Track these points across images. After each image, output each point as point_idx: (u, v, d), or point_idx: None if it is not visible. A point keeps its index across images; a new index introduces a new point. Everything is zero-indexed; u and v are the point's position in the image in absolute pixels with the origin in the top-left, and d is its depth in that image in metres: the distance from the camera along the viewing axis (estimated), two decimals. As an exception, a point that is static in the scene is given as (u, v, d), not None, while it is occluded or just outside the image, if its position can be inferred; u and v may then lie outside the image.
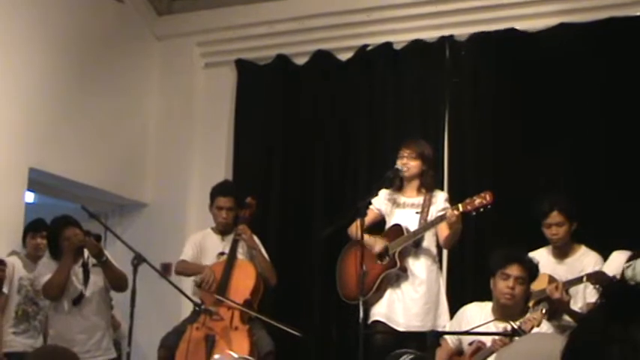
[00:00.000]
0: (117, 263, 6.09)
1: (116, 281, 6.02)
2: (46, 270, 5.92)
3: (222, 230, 6.37)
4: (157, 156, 8.08)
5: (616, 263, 5.23)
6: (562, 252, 5.66)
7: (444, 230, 5.60)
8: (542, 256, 5.57)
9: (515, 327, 4.49)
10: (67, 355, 2.96)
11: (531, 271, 5.05)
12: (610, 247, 5.48)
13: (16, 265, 6.23)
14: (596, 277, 5.23)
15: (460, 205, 5.38)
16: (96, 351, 5.98)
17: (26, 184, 6.62)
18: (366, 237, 5.54)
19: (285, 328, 5.70)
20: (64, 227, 5.94)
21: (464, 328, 5.04)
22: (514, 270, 4.96)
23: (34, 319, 6.23)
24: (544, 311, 4.69)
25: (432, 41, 7.24)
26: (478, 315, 5.07)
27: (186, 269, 6.27)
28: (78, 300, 5.90)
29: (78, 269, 5.96)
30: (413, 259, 5.68)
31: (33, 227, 6.43)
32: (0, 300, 6.08)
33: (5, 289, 6.11)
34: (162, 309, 7.04)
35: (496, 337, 4.70)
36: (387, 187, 5.88)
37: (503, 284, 4.96)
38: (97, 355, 6.00)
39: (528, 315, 4.74)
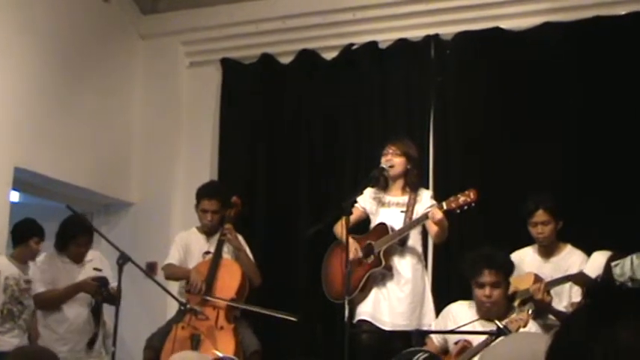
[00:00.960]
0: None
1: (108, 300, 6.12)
2: (44, 270, 5.99)
3: (207, 231, 6.35)
4: (143, 155, 8.06)
5: (596, 264, 5.21)
6: (548, 251, 5.67)
7: (432, 226, 5.57)
8: (528, 255, 5.60)
9: (501, 326, 4.49)
10: (45, 355, 2.95)
11: (505, 269, 5.08)
12: (595, 246, 5.48)
13: (3, 264, 6.20)
14: (577, 278, 5.24)
15: (444, 203, 5.37)
16: (87, 352, 5.99)
17: (11, 184, 6.57)
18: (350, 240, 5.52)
19: (279, 316, 5.76)
20: (81, 233, 6.06)
21: (449, 327, 5.05)
22: (486, 277, 4.99)
23: (19, 318, 6.20)
24: (530, 312, 4.69)
25: (417, 40, 7.23)
26: (464, 313, 5.07)
27: (174, 273, 6.24)
28: (92, 341, 5.94)
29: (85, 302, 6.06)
30: (398, 257, 5.66)
31: (39, 233, 6.34)
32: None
33: (-9, 289, 6.11)
34: (148, 308, 7.02)
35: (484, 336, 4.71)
36: (372, 186, 5.87)
37: (480, 292, 5.01)
38: (90, 356, 6.01)
39: (514, 315, 4.72)
